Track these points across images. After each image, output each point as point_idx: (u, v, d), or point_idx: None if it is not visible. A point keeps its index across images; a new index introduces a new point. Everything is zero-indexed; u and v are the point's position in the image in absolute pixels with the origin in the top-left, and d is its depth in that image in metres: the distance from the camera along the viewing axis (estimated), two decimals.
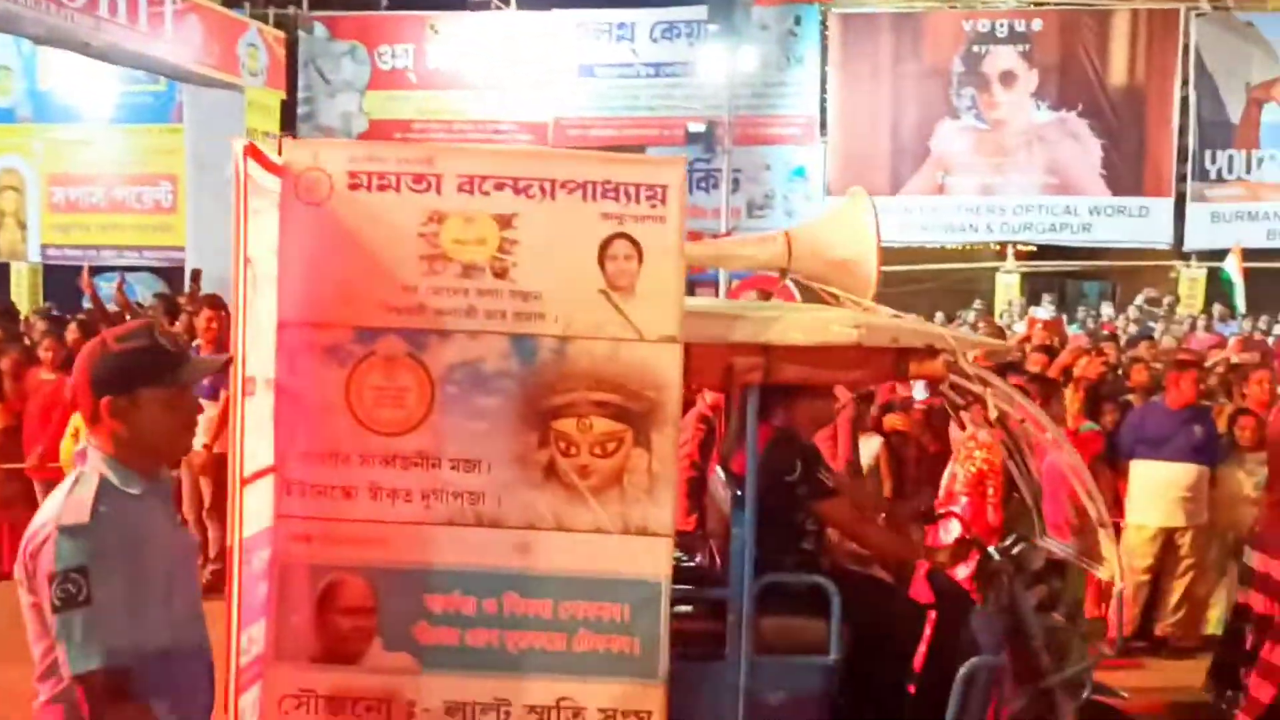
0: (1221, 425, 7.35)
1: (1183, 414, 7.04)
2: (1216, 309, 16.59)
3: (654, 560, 3.82)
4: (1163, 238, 18.12)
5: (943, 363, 3.77)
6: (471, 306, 3.80)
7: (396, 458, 3.81)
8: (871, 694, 4.04)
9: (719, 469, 4.82)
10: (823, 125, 19.23)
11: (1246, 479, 6.89)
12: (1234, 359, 10.16)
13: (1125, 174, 18.25)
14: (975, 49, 18.82)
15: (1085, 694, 4.00)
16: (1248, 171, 17.88)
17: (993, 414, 3.79)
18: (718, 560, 4.71)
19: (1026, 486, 4.43)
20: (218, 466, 7.64)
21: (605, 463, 3.81)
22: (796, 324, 3.88)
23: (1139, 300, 17.62)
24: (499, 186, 3.78)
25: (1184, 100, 17.99)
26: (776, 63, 19.13)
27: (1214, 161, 17.94)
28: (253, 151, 3.67)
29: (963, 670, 3.93)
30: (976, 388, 3.81)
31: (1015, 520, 5.36)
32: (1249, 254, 16.18)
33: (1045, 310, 16.56)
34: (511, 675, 3.86)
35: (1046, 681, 4.07)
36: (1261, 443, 6.80)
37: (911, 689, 4.23)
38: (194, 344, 8.14)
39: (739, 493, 4.11)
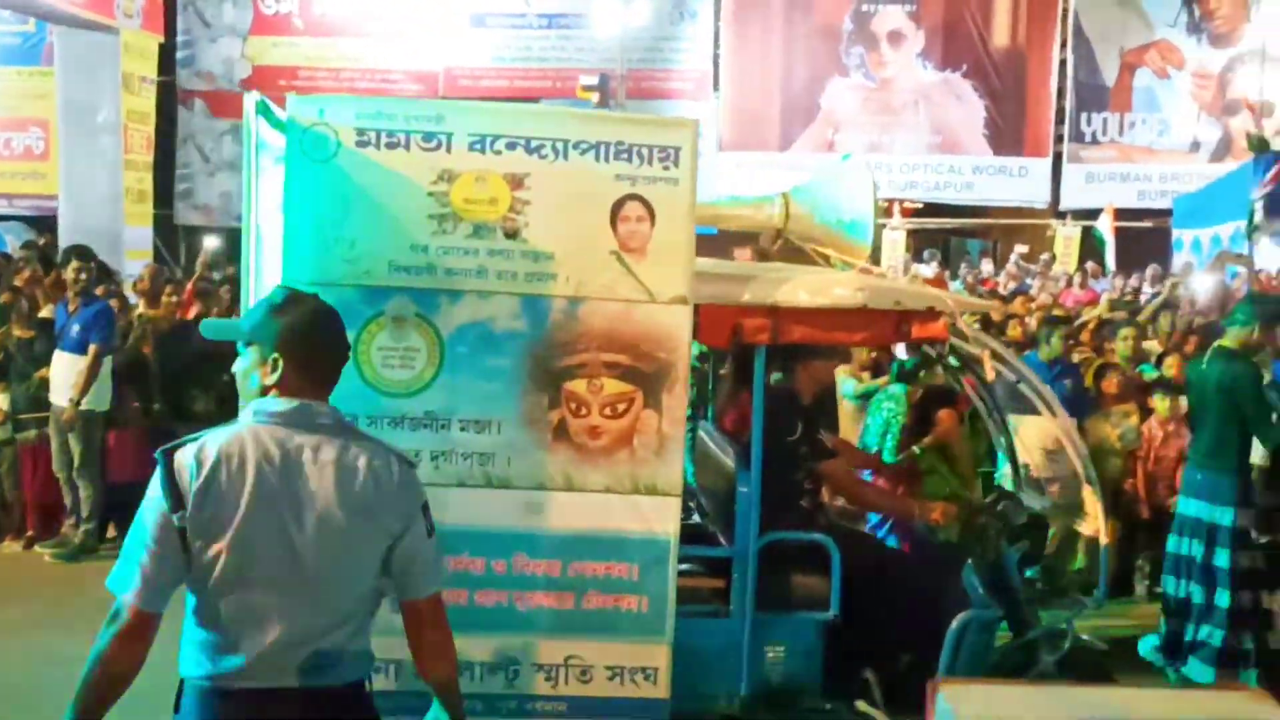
0: (1088, 380, 7.70)
1: (1053, 369, 7.35)
2: (1090, 266, 17.30)
3: (663, 519, 3.88)
4: (1041, 197, 18.81)
5: (943, 324, 3.88)
6: (482, 266, 3.77)
7: (405, 419, 3.78)
8: (866, 648, 4.17)
9: (707, 425, 4.88)
10: (717, 81, 19.30)
11: (1111, 431, 7.24)
12: (1105, 316, 10.63)
13: (1006, 134, 18.85)
14: (864, 8, 19.10)
15: (1066, 644, 4.20)
16: (1121, 134, 18.67)
17: (990, 375, 3.92)
18: (707, 516, 4.78)
19: (1005, 444, 4.60)
20: (86, 423, 7.40)
21: (615, 423, 3.84)
22: (804, 286, 3.95)
23: (1014, 257, 18.26)
24: (511, 146, 3.75)
25: (1062, 63, 18.63)
26: (670, 16, 19.10)
27: (1089, 124, 18.68)
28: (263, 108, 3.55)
29: (955, 624, 4.09)
30: (974, 348, 3.92)
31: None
32: (1120, 213, 16.90)
33: (929, 267, 17.05)
34: (520, 634, 3.89)
35: (1030, 633, 4.26)
36: (1125, 396, 7.19)
37: (904, 643, 4.37)
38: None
39: (740, 451, 4.18)
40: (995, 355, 4.04)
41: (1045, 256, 18.05)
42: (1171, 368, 7.72)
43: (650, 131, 3.79)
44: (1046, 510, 4.63)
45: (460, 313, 3.76)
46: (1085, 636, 4.54)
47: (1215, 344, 5.86)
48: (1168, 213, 16.20)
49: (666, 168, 3.77)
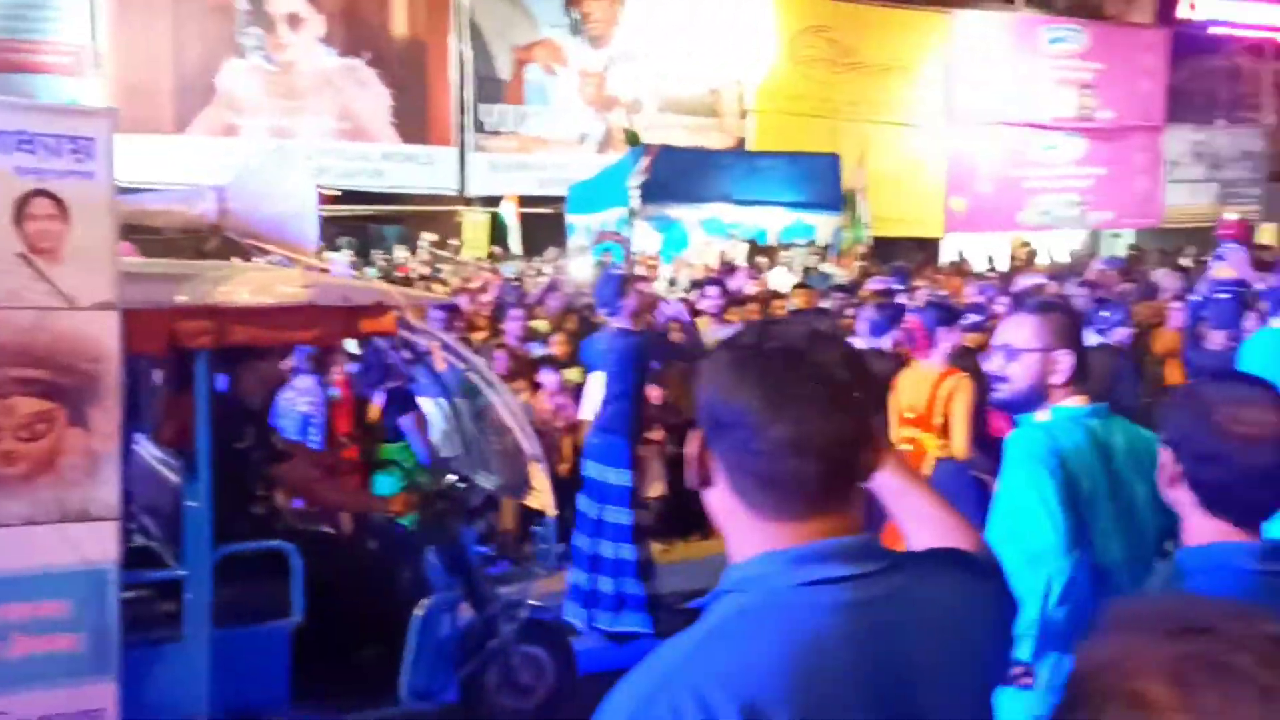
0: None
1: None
2: (497, 250, 18.29)
3: (100, 546, 3.54)
4: (449, 184, 19.51)
5: (393, 318, 3.90)
6: None
7: None
8: (333, 646, 4.10)
9: (144, 439, 4.48)
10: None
11: None
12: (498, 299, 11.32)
13: (413, 123, 19.29)
14: None
15: (524, 614, 4.43)
16: (518, 126, 19.90)
17: (440, 365, 4.01)
18: (153, 537, 4.41)
19: (461, 430, 4.73)
20: None
21: (34, 446, 3.43)
22: (246, 284, 3.76)
23: (423, 244, 18.78)
24: None
25: (462, 56, 19.40)
26: None
27: (490, 115, 19.68)
28: None
29: (419, 609, 4.15)
30: (425, 340, 3.99)
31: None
32: (523, 200, 18.06)
33: (343, 255, 17.01)
34: None
35: (491, 607, 4.44)
36: (515, 374, 7.86)
37: (372, 635, 4.36)
38: None
39: (185, 464, 3.91)
40: (445, 346, 4.14)
41: (454, 242, 18.78)
42: (557, 345, 8.39)
43: (58, 120, 3.40)
44: (499, 488, 4.84)
45: None
46: (538, 603, 4.83)
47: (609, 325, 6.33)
48: (563, 199, 17.59)
49: (80, 160, 3.40)
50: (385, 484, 5.52)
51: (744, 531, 1.34)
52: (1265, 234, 18.62)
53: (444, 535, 4.45)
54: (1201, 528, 1.87)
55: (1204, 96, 26.96)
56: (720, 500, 1.37)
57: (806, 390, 1.28)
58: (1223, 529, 1.85)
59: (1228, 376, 2.07)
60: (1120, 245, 24.15)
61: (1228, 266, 8.01)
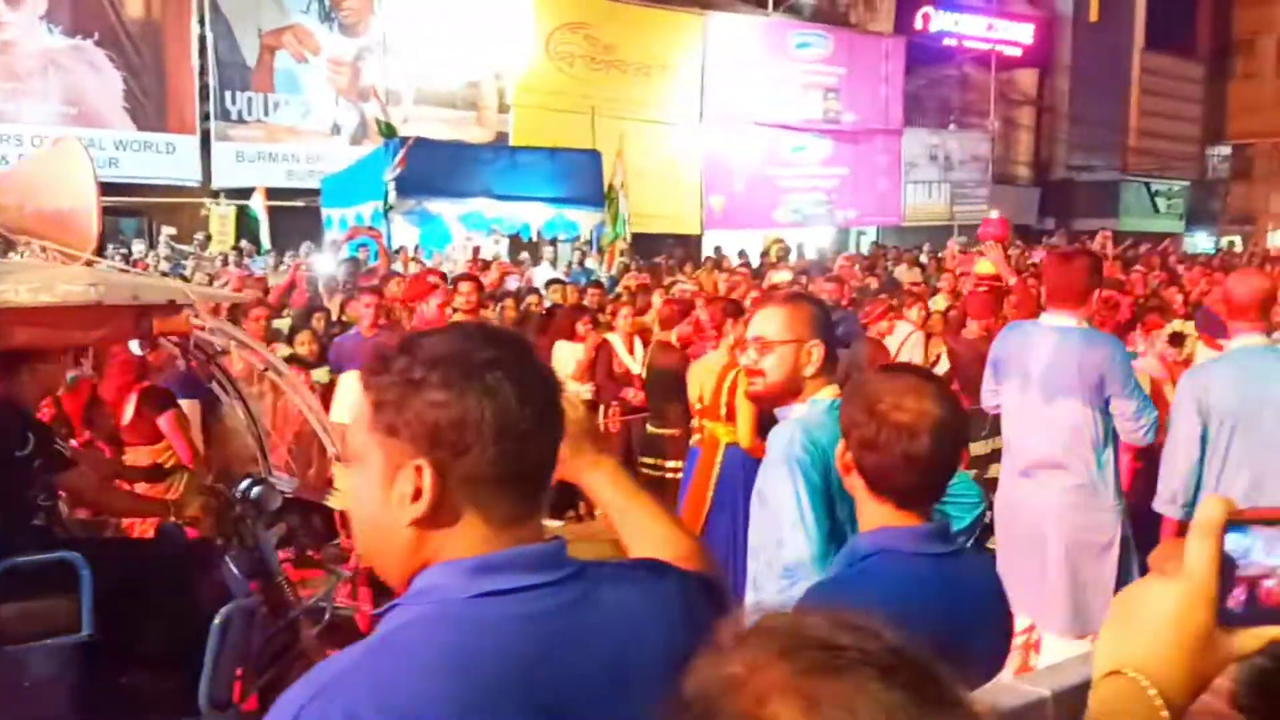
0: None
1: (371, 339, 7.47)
2: (245, 245, 17.46)
3: None
4: (192, 175, 18.46)
5: (185, 318, 3.70)
6: None
7: None
8: (126, 659, 3.81)
9: None
10: None
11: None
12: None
13: (150, 109, 18.14)
14: None
15: (326, 616, 4.24)
16: (266, 114, 19.03)
17: (237, 364, 3.85)
18: None
19: (250, 430, 4.49)
20: None
21: None
22: (24, 282, 3.46)
23: (163, 238, 17.73)
24: None
25: (203, 39, 18.39)
26: None
27: (235, 102, 18.73)
28: None
29: (218, 618, 3.90)
30: (220, 340, 3.77)
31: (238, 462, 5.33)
32: (272, 192, 17.29)
33: None
34: None
35: (292, 612, 4.22)
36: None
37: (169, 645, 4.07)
38: None
39: None
40: (241, 344, 3.97)
41: (200, 236, 17.82)
42: (303, 345, 8.13)
43: None
44: (298, 490, 4.63)
45: None
46: (341, 605, 4.63)
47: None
48: (318, 192, 16.95)
49: None
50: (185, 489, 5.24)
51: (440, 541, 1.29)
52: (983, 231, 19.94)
53: (244, 540, 4.20)
54: (872, 512, 1.98)
55: (938, 102, 28.81)
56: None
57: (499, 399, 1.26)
58: (888, 513, 1.95)
59: (897, 369, 2.21)
60: (865, 243, 25.47)
61: (988, 263, 8.52)
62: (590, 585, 1.32)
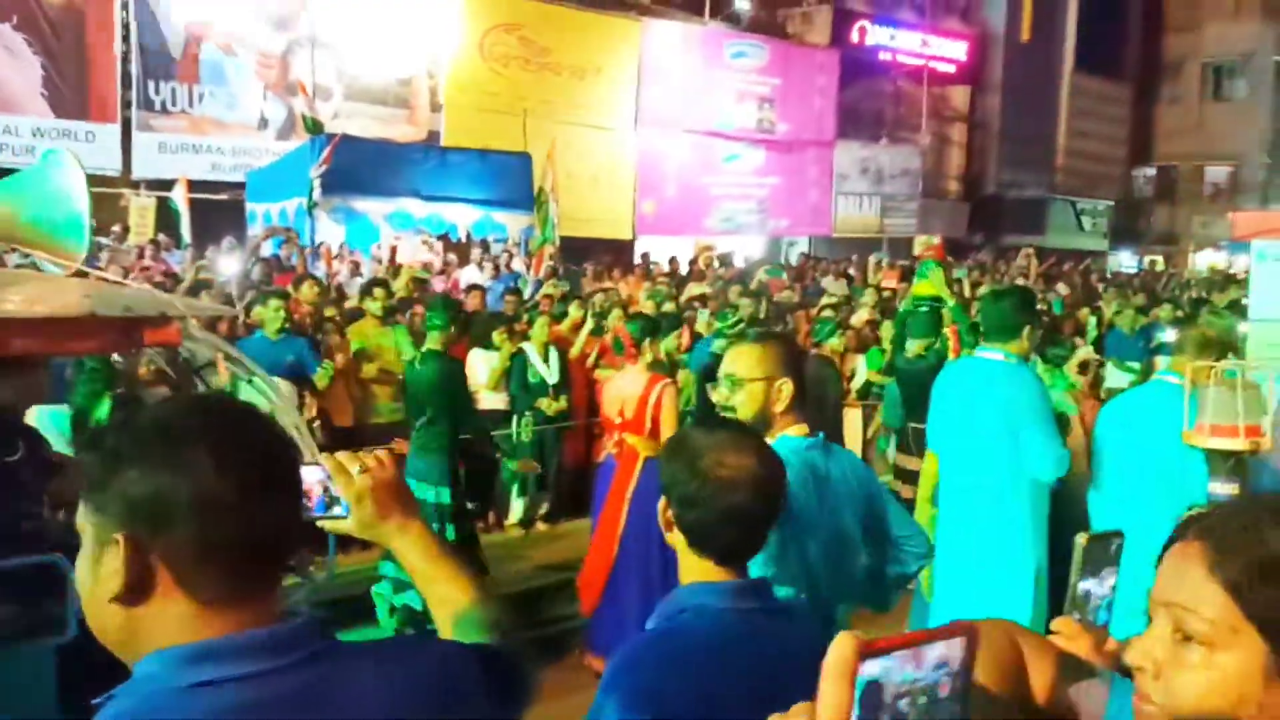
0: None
1: (278, 345, 7.35)
2: (163, 239, 17.09)
3: None
4: (112, 164, 18.02)
5: (176, 329, 3.66)
6: None
7: None
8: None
9: None
10: None
11: None
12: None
13: (69, 96, 17.68)
14: None
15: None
16: (191, 105, 18.64)
17: (225, 377, 3.84)
18: None
19: None
20: None
21: None
22: (16, 293, 3.37)
23: None
24: None
25: (127, 27, 17.98)
26: None
27: (159, 92, 18.32)
28: None
29: None
30: (208, 351, 3.85)
31: None
32: (195, 185, 16.94)
33: None
34: None
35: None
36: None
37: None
38: None
39: None
40: (228, 357, 4.02)
41: (117, 228, 17.43)
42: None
43: None
44: None
45: None
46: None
47: (425, 346, 6.49)
48: (242, 186, 16.65)
49: None
50: None
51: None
52: (918, 245, 20.23)
53: None
54: (690, 567, 1.98)
55: (870, 116, 29.13)
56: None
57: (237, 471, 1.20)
58: (706, 568, 1.96)
59: (717, 424, 2.22)
60: (795, 253, 25.67)
61: (929, 284, 8.63)
62: (331, 667, 1.24)
